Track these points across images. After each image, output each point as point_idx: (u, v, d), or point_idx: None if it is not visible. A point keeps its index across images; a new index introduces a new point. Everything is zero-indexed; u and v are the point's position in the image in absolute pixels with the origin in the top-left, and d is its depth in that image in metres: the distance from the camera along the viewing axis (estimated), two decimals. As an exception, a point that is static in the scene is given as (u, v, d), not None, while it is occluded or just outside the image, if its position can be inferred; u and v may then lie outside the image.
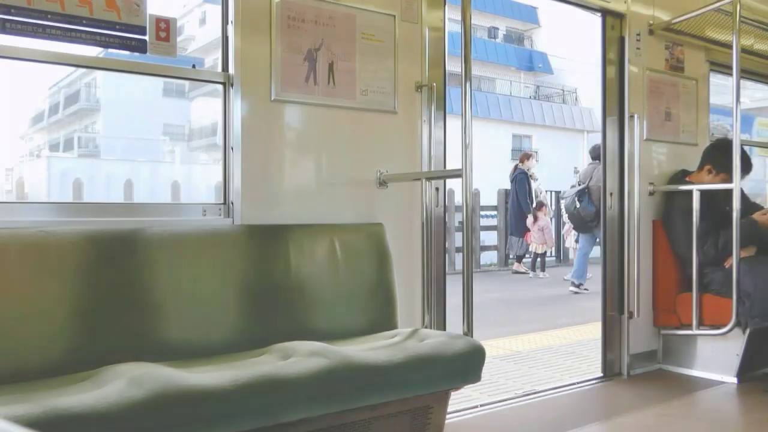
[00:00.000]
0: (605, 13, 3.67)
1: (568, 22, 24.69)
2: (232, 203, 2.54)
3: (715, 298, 3.58)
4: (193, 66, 2.59)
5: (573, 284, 7.82)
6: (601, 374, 3.67)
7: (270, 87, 2.59)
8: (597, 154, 7.65)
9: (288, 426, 1.91)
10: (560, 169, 18.54)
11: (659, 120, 3.93)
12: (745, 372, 3.55)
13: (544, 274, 9.53)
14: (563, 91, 27.82)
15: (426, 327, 2.85)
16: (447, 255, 3.55)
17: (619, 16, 3.76)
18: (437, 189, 3.01)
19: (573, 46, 26.23)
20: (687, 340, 3.75)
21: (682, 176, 3.88)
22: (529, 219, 9.31)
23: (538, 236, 9.37)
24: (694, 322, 3.61)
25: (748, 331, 3.45)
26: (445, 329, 2.93)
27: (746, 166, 3.73)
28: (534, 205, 9.38)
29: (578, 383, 3.54)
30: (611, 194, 3.70)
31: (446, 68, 3.06)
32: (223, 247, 2.34)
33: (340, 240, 2.60)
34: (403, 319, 2.73)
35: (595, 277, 9.21)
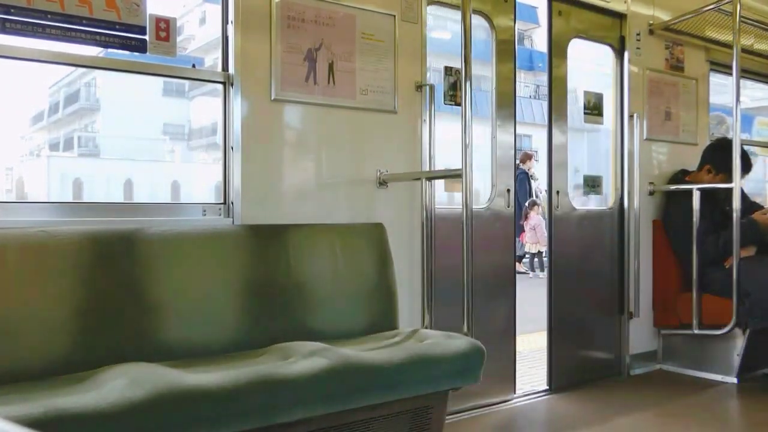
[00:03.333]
0: None
1: (568, 22, 24.63)
2: (232, 203, 2.54)
3: (715, 298, 3.58)
4: (193, 66, 2.59)
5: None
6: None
7: (270, 87, 2.59)
8: None
9: (288, 426, 1.91)
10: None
11: (659, 120, 3.94)
12: (745, 372, 3.55)
13: (544, 273, 9.52)
14: (563, 90, 27.78)
15: (426, 327, 2.84)
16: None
17: (619, 16, 3.76)
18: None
19: (573, 46, 26.20)
20: (687, 340, 3.75)
21: (681, 176, 3.88)
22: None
23: (531, 235, 9.38)
24: (694, 322, 3.61)
25: (748, 331, 3.45)
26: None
27: (746, 166, 3.73)
28: (526, 203, 9.38)
29: (578, 383, 3.54)
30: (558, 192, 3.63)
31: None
32: (223, 247, 2.34)
33: (340, 240, 2.60)
34: (403, 319, 2.73)
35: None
